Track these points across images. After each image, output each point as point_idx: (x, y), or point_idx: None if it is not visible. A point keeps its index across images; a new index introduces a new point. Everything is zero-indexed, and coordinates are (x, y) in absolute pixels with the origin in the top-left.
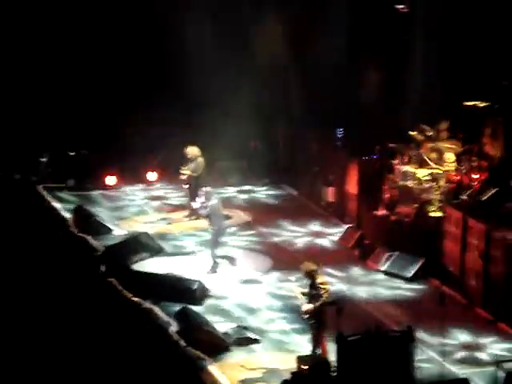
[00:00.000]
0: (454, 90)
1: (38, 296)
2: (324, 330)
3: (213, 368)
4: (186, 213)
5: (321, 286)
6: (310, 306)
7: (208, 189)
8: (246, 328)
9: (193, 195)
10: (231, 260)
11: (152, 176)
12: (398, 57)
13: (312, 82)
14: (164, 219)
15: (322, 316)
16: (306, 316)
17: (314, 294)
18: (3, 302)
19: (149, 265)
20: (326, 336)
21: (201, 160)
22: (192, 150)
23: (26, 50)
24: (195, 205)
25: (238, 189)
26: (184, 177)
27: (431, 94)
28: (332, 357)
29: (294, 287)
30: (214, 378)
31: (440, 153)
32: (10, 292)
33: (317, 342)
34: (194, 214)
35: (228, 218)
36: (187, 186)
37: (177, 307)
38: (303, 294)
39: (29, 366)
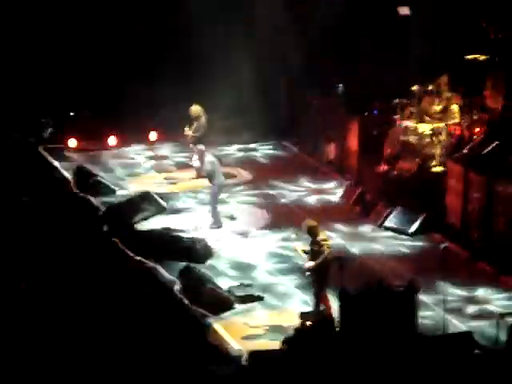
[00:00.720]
0: (454, 44)
1: (40, 256)
2: (326, 286)
3: (217, 326)
4: (193, 173)
5: (322, 242)
6: (312, 263)
7: (202, 147)
8: (249, 285)
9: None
10: (232, 217)
11: (153, 135)
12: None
13: (313, 36)
14: (166, 179)
15: (325, 272)
16: (308, 273)
17: (315, 250)
18: (7, 260)
19: (151, 224)
20: (327, 293)
21: (204, 119)
22: (195, 110)
23: (27, 7)
24: (195, 163)
25: (239, 147)
26: (188, 137)
27: (432, 47)
28: (335, 313)
29: (296, 244)
30: (218, 335)
31: (441, 107)
32: (12, 250)
33: (319, 298)
34: (199, 173)
35: (232, 176)
36: (191, 145)
37: (180, 266)
38: (304, 251)
39: (30, 322)
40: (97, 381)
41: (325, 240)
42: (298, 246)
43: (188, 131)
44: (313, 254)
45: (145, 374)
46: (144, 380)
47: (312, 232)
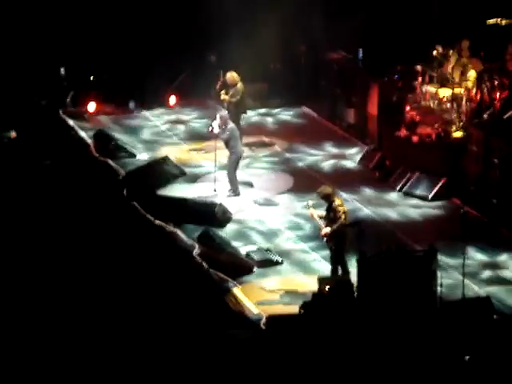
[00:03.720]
0: (475, 7)
1: (62, 220)
2: (344, 252)
3: (236, 290)
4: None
5: (338, 208)
6: (329, 229)
7: (224, 113)
8: (268, 250)
9: (234, 121)
10: (251, 183)
11: (173, 99)
12: None
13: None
14: (186, 144)
15: (342, 238)
16: (325, 239)
17: (331, 216)
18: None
19: (171, 189)
20: (346, 258)
21: (240, 85)
22: (231, 76)
23: None
24: (215, 129)
25: (259, 112)
26: (224, 102)
27: (453, 11)
28: (354, 278)
29: (312, 210)
30: (237, 299)
31: (462, 72)
32: (34, 214)
33: (337, 264)
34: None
35: (253, 143)
36: (226, 111)
37: (199, 230)
38: (320, 217)
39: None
40: (117, 343)
41: (341, 205)
42: (315, 212)
43: (225, 96)
44: (329, 219)
45: (165, 337)
46: (165, 343)
47: (327, 198)
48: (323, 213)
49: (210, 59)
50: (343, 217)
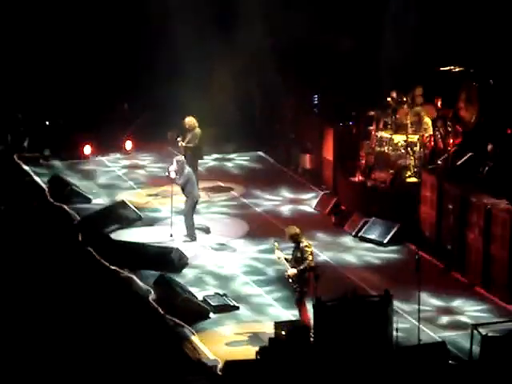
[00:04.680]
0: (428, 55)
1: (15, 264)
2: (307, 294)
3: (192, 335)
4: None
5: (305, 248)
6: (295, 270)
7: (180, 158)
8: (224, 295)
9: (191, 166)
10: (207, 228)
11: (129, 145)
12: (372, 22)
13: (286, 53)
14: (142, 189)
15: (307, 279)
16: (291, 280)
17: (298, 257)
18: None
19: (126, 234)
20: (306, 301)
21: (198, 130)
22: (189, 121)
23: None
24: (172, 174)
25: (215, 157)
26: (181, 147)
27: (406, 58)
28: (311, 322)
29: (277, 252)
30: (194, 344)
31: (416, 118)
32: None
33: (301, 306)
34: (175, 184)
35: (209, 188)
36: (183, 157)
37: (155, 275)
38: (286, 259)
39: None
40: None
41: (308, 247)
42: (280, 254)
43: (181, 142)
44: (295, 260)
45: None
46: None
47: (295, 239)
48: (289, 255)
49: (123, 107)
50: (310, 258)
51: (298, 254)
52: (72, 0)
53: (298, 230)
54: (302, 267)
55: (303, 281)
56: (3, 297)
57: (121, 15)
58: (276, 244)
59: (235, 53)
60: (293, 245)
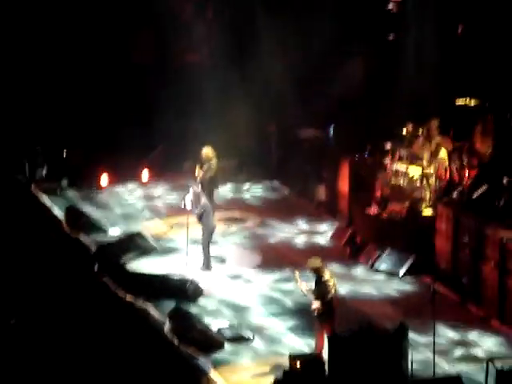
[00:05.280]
0: (444, 87)
1: (32, 294)
2: (332, 325)
3: (206, 366)
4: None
5: (328, 281)
6: (319, 303)
7: (197, 188)
8: (239, 326)
9: (207, 196)
10: (223, 258)
11: (146, 175)
12: (388, 52)
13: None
14: (158, 219)
15: (331, 311)
16: (316, 313)
17: (321, 290)
18: None
19: (142, 264)
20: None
21: (215, 161)
22: (207, 151)
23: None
24: (188, 205)
25: (230, 187)
26: (198, 178)
27: (422, 91)
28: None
29: (302, 284)
30: (208, 376)
31: (431, 150)
32: (5, 287)
33: (320, 336)
34: (191, 214)
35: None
36: (200, 187)
37: (170, 306)
38: (309, 290)
39: (21, 366)
40: None
41: (330, 279)
42: (304, 286)
43: (199, 172)
44: (318, 293)
45: None
46: None
47: (317, 271)
48: (312, 286)
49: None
50: (333, 290)
51: (321, 287)
52: (88, 29)
53: (320, 264)
54: (326, 300)
55: (328, 313)
56: (21, 327)
57: (139, 45)
58: (297, 274)
59: (252, 84)
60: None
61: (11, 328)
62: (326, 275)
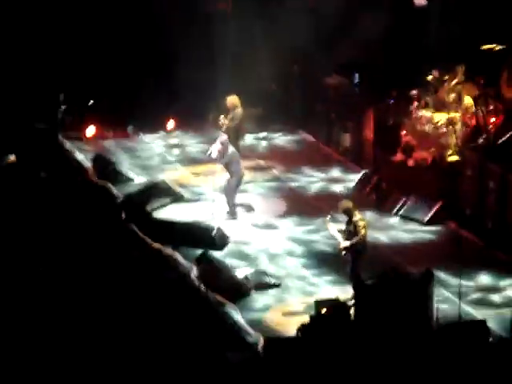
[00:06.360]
0: (470, 33)
1: (60, 243)
2: (360, 266)
3: (233, 312)
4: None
5: (359, 222)
6: (348, 243)
7: (224, 138)
8: (265, 273)
9: (234, 146)
10: (249, 206)
11: (171, 124)
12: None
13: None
14: (184, 167)
15: (360, 252)
16: (344, 253)
17: (351, 230)
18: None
19: (168, 211)
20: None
21: (240, 110)
22: (231, 100)
23: None
24: (213, 154)
25: (255, 136)
26: (223, 127)
27: (447, 36)
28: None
29: (330, 225)
30: (235, 321)
31: (457, 96)
32: (32, 236)
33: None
34: (218, 163)
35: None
36: (226, 136)
37: (197, 253)
38: (339, 231)
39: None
40: (112, 366)
41: (361, 220)
42: (333, 227)
43: (224, 120)
44: (349, 233)
45: (162, 361)
46: (160, 366)
47: (348, 212)
48: (342, 227)
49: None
50: (363, 231)
51: (351, 228)
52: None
53: (351, 204)
54: (355, 240)
55: (357, 253)
56: (48, 273)
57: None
58: (329, 217)
59: (277, 32)
60: (345, 219)
61: (40, 275)
62: (357, 216)
